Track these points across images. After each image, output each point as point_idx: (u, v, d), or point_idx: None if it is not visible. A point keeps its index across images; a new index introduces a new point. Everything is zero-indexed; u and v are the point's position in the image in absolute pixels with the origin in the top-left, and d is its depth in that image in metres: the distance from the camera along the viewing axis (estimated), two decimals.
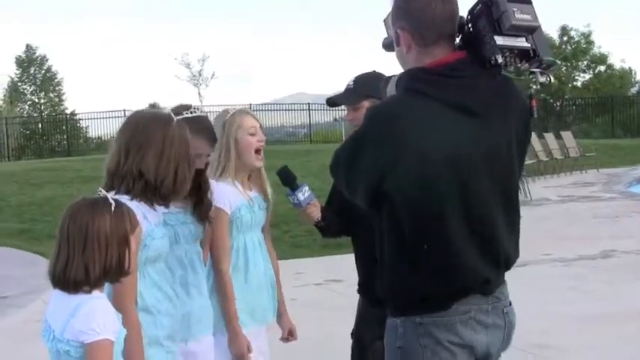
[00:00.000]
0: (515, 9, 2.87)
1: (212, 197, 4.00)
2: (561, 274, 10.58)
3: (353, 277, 4.49)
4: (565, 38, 49.04)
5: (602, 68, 49.47)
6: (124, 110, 39.91)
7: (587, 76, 49.87)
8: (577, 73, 49.83)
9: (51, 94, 53.47)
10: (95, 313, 2.92)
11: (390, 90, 3.53)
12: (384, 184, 2.85)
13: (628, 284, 9.86)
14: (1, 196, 18.57)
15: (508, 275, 3.14)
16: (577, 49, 48.53)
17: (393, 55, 3.14)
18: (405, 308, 2.96)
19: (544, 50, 2.95)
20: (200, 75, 54.06)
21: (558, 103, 46.72)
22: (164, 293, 3.51)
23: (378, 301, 3.10)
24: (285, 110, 43.17)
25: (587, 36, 48.77)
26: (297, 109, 42.70)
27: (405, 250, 2.91)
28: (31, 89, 53.24)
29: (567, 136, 27.19)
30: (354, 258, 4.42)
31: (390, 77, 3.80)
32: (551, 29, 51.94)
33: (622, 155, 29.24)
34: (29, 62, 52.98)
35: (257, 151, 4.29)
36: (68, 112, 49.31)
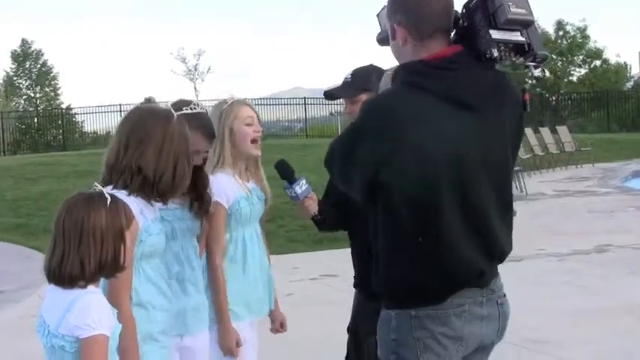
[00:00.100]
0: (510, 3, 2.90)
1: (211, 193, 4.00)
2: (556, 269, 10.59)
3: (348, 271, 4.50)
4: (561, 33, 48.99)
5: (598, 63, 49.41)
6: (120, 105, 39.98)
7: (583, 71, 49.84)
8: (573, 68, 49.80)
9: (46, 89, 53.35)
10: (90, 308, 2.92)
11: (384, 84, 3.55)
12: (380, 176, 2.87)
13: (623, 279, 9.87)
14: None
15: (503, 270, 3.15)
16: (572, 43, 48.49)
17: (388, 50, 3.15)
18: (399, 301, 2.98)
19: (538, 44, 2.98)
20: (196, 69, 54.04)
21: (554, 98, 46.74)
22: (158, 289, 3.51)
23: (373, 295, 3.12)
24: (282, 104, 43.14)
25: (582, 30, 48.73)
26: (293, 104, 42.65)
27: (401, 243, 2.93)
28: (27, 84, 53.12)
29: (563, 130, 27.21)
30: (349, 252, 4.43)
31: (384, 72, 3.81)
32: (546, 24, 52.09)
33: (617, 150, 29.26)
34: (25, 56, 52.86)
35: (253, 141, 4.29)
36: (64, 106, 49.22)
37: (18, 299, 9.83)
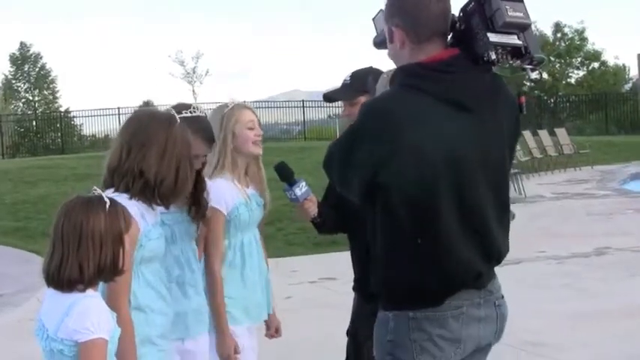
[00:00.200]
0: (507, 7, 2.92)
1: (208, 197, 3.99)
2: (555, 272, 10.59)
3: (347, 274, 4.50)
4: (559, 35, 49.02)
5: (596, 65, 49.46)
6: (119, 108, 39.96)
7: (581, 73, 49.87)
8: (571, 70, 49.84)
9: (45, 92, 53.35)
10: (89, 312, 2.91)
11: (380, 86, 3.56)
12: (379, 177, 2.88)
13: (622, 281, 9.87)
14: None
15: (502, 273, 3.15)
16: (571, 45, 48.52)
17: (385, 52, 3.17)
18: (397, 302, 2.99)
19: (535, 48, 3.00)
20: (194, 72, 54.05)
21: (552, 100, 46.79)
22: (157, 293, 3.51)
23: (372, 297, 3.12)
24: (280, 107, 43.17)
25: (580, 33, 48.77)
26: (292, 107, 42.68)
27: (399, 244, 2.94)
28: (25, 87, 53.11)
29: (561, 133, 27.22)
30: (348, 255, 4.43)
31: (380, 75, 3.82)
32: (544, 26, 52.20)
33: (616, 152, 29.28)
34: (23, 60, 52.86)
35: (254, 143, 4.29)
36: (62, 109, 49.20)
37: (17, 303, 9.81)
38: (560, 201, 18.22)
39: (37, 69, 53.15)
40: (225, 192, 4.17)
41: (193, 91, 53.87)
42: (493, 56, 2.91)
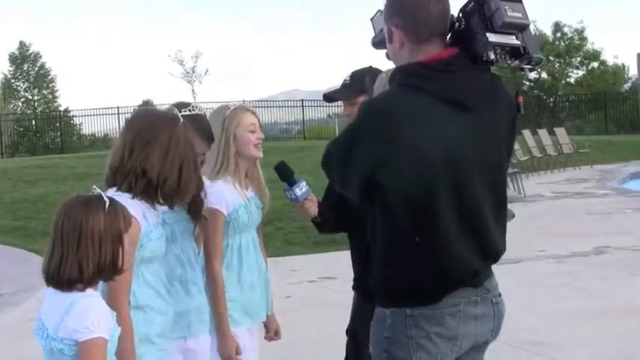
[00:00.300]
0: (507, 7, 2.94)
1: (205, 196, 3.99)
2: (555, 271, 10.60)
3: (346, 274, 4.50)
4: (558, 34, 49.03)
5: (596, 64, 49.45)
6: (118, 107, 39.97)
7: (581, 73, 49.87)
8: (570, 70, 49.84)
9: (44, 91, 53.34)
10: (89, 312, 2.91)
11: (379, 86, 3.58)
12: (377, 177, 2.89)
13: (621, 280, 9.87)
14: None
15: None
16: (570, 45, 48.52)
17: (384, 53, 3.19)
18: (395, 300, 3.00)
19: (533, 48, 3.01)
20: (193, 72, 54.03)
21: (552, 100, 46.80)
22: (157, 292, 3.51)
23: (372, 297, 3.13)
24: (279, 107, 43.16)
25: (580, 32, 48.78)
26: (291, 106, 42.67)
27: (398, 243, 2.96)
28: (25, 86, 53.10)
29: (561, 132, 27.22)
30: (348, 254, 4.43)
31: (379, 73, 3.83)
32: (544, 25, 52.20)
33: (615, 151, 29.28)
34: (22, 59, 52.85)
35: (255, 146, 4.29)
36: (62, 109, 49.20)
37: (16, 302, 9.82)
38: (559, 200, 18.23)
39: (36, 68, 53.14)
40: (225, 193, 4.17)
41: (193, 90, 53.87)
42: (492, 56, 2.92)
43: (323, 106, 39.85)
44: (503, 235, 3.13)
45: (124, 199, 3.26)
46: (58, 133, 43.24)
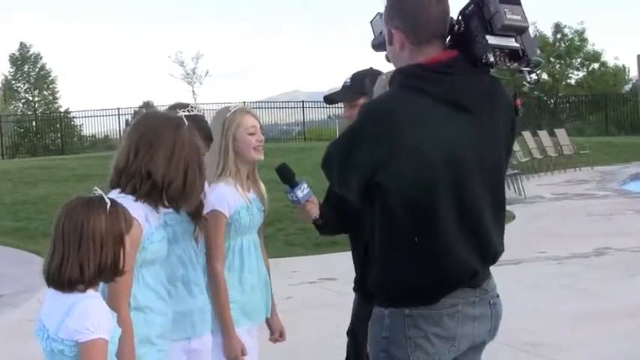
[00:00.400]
0: (506, 10, 2.95)
1: (204, 197, 3.99)
2: (555, 272, 10.60)
3: (347, 275, 4.51)
4: (559, 36, 49.00)
5: (596, 66, 49.41)
6: (118, 109, 39.99)
7: (581, 74, 49.83)
8: (571, 71, 49.81)
9: (45, 92, 53.30)
10: (90, 312, 2.92)
11: (378, 88, 3.59)
12: (378, 178, 2.90)
13: (621, 282, 9.87)
14: None
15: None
16: (571, 46, 48.50)
17: (383, 55, 3.21)
18: (394, 300, 3.02)
19: (532, 50, 3.03)
20: (194, 73, 54.02)
21: (552, 101, 46.78)
22: (157, 294, 3.51)
23: (372, 297, 3.14)
24: (279, 108, 43.17)
25: (580, 33, 48.74)
26: (291, 107, 42.67)
27: (397, 244, 2.97)
28: (25, 87, 53.05)
29: (561, 133, 27.20)
30: (348, 255, 4.44)
31: (378, 76, 3.85)
32: (544, 27, 52.12)
33: (616, 153, 29.27)
34: (23, 60, 52.82)
35: (255, 149, 4.29)
36: (62, 110, 49.19)
37: (17, 303, 9.82)
38: (560, 201, 18.23)
39: (36, 69, 53.09)
40: (227, 195, 4.18)
41: (193, 91, 53.85)
42: (491, 58, 2.93)
43: (323, 108, 39.88)
44: (502, 236, 3.15)
45: (127, 201, 3.26)
46: (59, 134, 43.26)
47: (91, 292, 2.97)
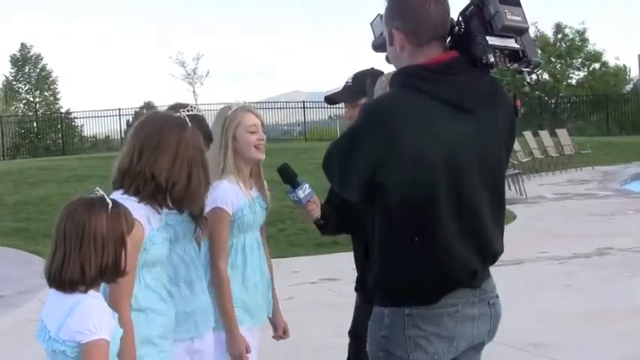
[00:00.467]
0: (506, 10, 2.97)
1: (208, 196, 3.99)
2: (556, 272, 10.59)
3: (348, 275, 4.50)
4: (559, 36, 49.00)
5: (597, 66, 49.44)
6: (119, 109, 40.03)
7: (582, 74, 49.84)
8: (572, 71, 49.82)
9: (46, 93, 53.28)
10: (91, 313, 2.92)
11: (379, 89, 3.60)
12: (378, 177, 2.91)
13: (623, 282, 9.87)
14: None
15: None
16: (571, 46, 48.51)
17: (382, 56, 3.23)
18: (394, 299, 3.02)
19: (532, 51, 3.04)
20: (195, 73, 54.07)
21: (553, 101, 46.81)
22: (158, 295, 3.51)
23: (372, 297, 3.14)
24: (280, 108, 43.19)
25: (581, 33, 48.74)
26: (292, 107, 42.70)
27: (397, 243, 2.97)
28: (26, 88, 53.03)
29: (562, 133, 27.23)
30: (350, 256, 4.43)
31: (378, 76, 3.85)
32: (545, 27, 52.06)
33: (617, 153, 29.30)
34: (24, 61, 52.81)
35: (256, 148, 4.28)
36: (63, 110, 49.22)
37: (18, 304, 9.81)
38: (561, 201, 18.23)
39: (37, 70, 53.07)
40: (230, 193, 4.18)
41: (194, 92, 53.93)
42: (492, 59, 2.94)
43: (324, 108, 39.92)
44: (502, 236, 3.16)
45: (129, 202, 3.26)
46: (60, 135, 43.30)
47: (92, 292, 2.97)
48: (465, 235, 2.97)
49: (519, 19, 2.99)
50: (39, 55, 53.51)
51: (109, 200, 3.02)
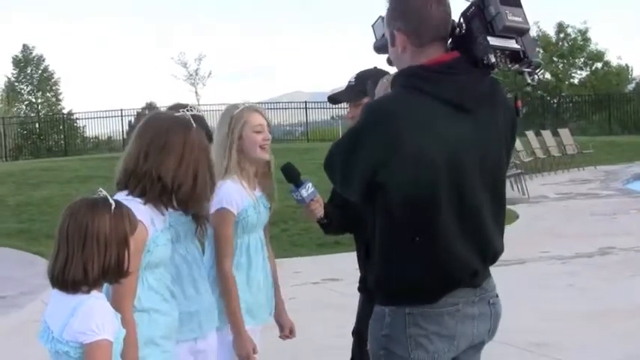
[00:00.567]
0: (507, 11, 2.98)
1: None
2: (559, 272, 10.59)
3: (351, 275, 4.50)
4: (562, 35, 48.98)
5: (599, 65, 49.42)
6: (121, 110, 40.05)
7: (584, 74, 49.82)
8: (574, 71, 49.81)
9: (48, 94, 53.34)
10: (94, 314, 2.92)
11: (379, 91, 3.61)
12: (379, 177, 2.92)
13: (626, 281, 9.87)
14: None
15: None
16: (574, 46, 48.49)
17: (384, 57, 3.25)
18: (395, 298, 3.03)
19: (532, 52, 3.05)
20: (197, 74, 54.06)
21: (555, 101, 46.79)
22: (161, 296, 3.51)
23: (373, 296, 3.15)
24: (282, 109, 43.19)
25: (583, 33, 48.72)
26: (294, 108, 42.71)
27: (398, 243, 2.98)
28: (28, 89, 53.10)
29: (564, 133, 27.21)
30: (352, 256, 4.42)
31: (383, 75, 3.85)
32: (547, 26, 51.97)
33: (619, 152, 29.28)
34: (26, 62, 52.86)
35: (261, 148, 4.28)
36: (65, 111, 49.28)
37: (21, 305, 9.81)
38: (563, 201, 18.22)
39: (39, 71, 53.13)
40: (234, 193, 4.18)
41: (196, 92, 53.91)
42: (492, 59, 2.96)
43: (326, 108, 39.94)
44: (502, 236, 3.17)
45: (134, 203, 3.26)
46: (62, 136, 43.34)
47: (95, 293, 2.98)
48: (466, 234, 2.98)
49: (520, 19, 3.00)
50: (41, 56, 53.62)
51: (111, 201, 3.02)
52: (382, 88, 3.69)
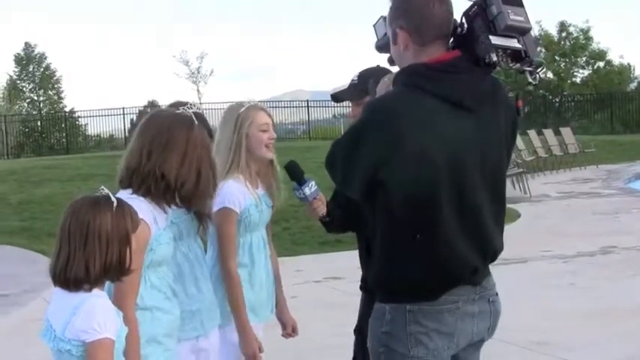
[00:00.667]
0: (509, 10, 2.99)
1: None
2: (560, 271, 10.59)
3: (352, 274, 4.50)
4: (564, 34, 48.96)
5: (601, 64, 49.38)
6: (123, 108, 40.08)
7: (586, 72, 49.79)
8: (576, 69, 49.77)
9: (50, 92, 53.34)
10: (95, 312, 2.92)
11: (381, 90, 3.62)
12: (380, 175, 2.93)
13: (628, 280, 9.87)
14: (0, 194, 18.54)
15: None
16: (576, 45, 48.45)
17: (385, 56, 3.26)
18: (396, 296, 3.04)
19: (534, 51, 3.07)
20: (199, 72, 54.07)
21: (557, 100, 46.76)
22: (164, 294, 3.51)
23: (373, 294, 3.16)
24: (284, 107, 43.18)
25: (585, 32, 48.68)
26: (296, 106, 42.70)
27: (399, 241, 2.99)
28: (30, 87, 53.11)
29: (566, 132, 27.19)
30: (354, 254, 4.42)
31: (385, 74, 3.86)
32: (549, 25, 51.98)
33: (621, 151, 29.26)
34: (28, 60, 52.87)
35: (266, 147, 4.29)
36: (67, 109, 49.27)
37: (23, 303, 9.82)
38: (565, 200, 18.22)
39: (41, 69, 53.12)
40: (237, 192, 4.18)
41: (198, 90, 53.93)
42: (494, 58, 2.96)
43: (328, 107, 39.93)
44: (502, 235, 3.18)
45: (136, 201, 3.26)
46: (64, 134, 43.38)
47: (96, 291, 2.98)
48: (466, 232, 2.99)
49: (522, 19, 3.01)
50: (43, 54, 53.63)
51: (113, 199, 3.02)
52: (383, 87, 3.70)
